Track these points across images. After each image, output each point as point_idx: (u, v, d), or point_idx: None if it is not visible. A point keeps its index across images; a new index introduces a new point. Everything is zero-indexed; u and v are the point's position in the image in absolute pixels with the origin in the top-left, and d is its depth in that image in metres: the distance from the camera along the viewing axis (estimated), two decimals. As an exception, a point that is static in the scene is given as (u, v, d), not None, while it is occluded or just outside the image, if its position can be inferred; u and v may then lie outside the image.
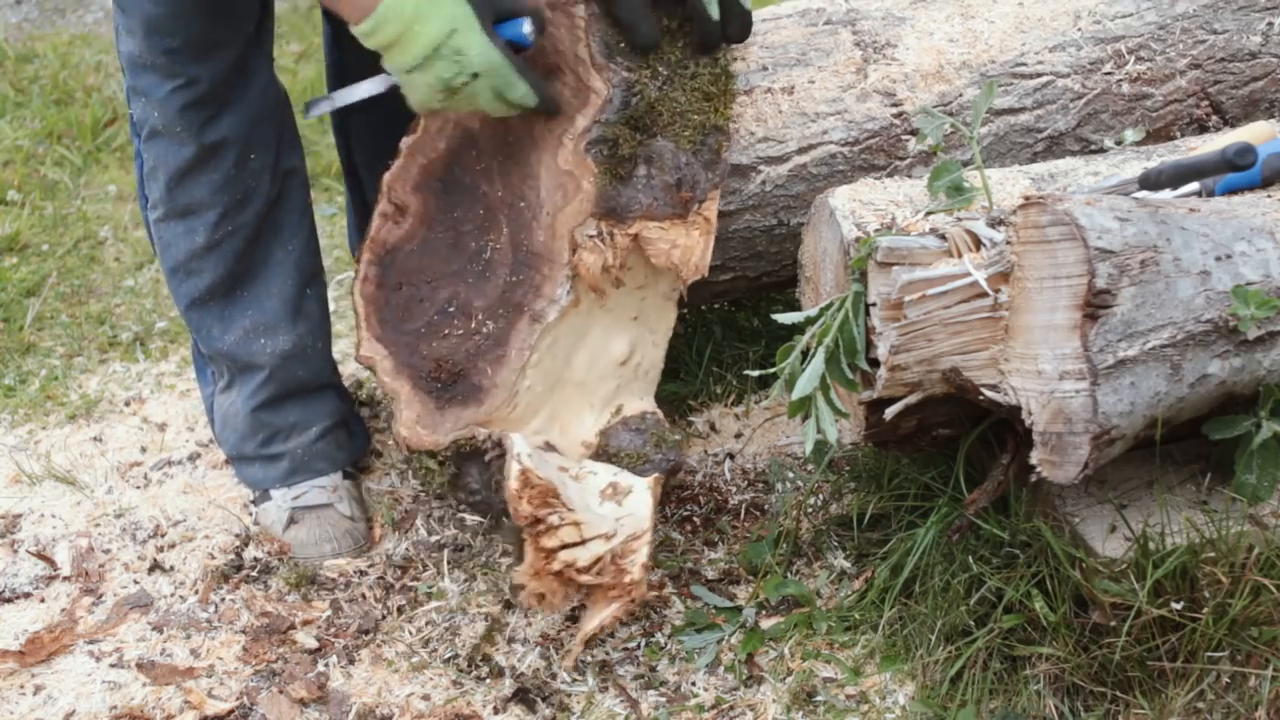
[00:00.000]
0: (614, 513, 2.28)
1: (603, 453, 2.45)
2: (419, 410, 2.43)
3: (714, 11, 2.32)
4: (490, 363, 2.41)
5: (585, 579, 2.24)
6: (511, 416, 2.41)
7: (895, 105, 2.53)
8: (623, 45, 2.31)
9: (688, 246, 2.36)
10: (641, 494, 2.30)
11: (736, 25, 2.36)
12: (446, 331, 2.44)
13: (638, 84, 2.31)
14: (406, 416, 2.43)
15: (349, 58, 2.77)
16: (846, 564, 2.46)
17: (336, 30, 2.74)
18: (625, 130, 2.31)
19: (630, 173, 2.33)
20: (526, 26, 2.22)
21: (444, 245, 2.48)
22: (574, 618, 2.40)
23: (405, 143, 2.47)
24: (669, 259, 2.36)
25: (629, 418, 2.48)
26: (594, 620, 2.27)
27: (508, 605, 2.44)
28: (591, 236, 2.33)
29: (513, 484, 2.20)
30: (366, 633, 2.42)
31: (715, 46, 2.36)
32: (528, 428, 2.42)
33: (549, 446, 2.43)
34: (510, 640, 2.38)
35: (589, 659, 2.33)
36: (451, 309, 2.45)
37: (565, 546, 2.22)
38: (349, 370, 3.07)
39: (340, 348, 3.16)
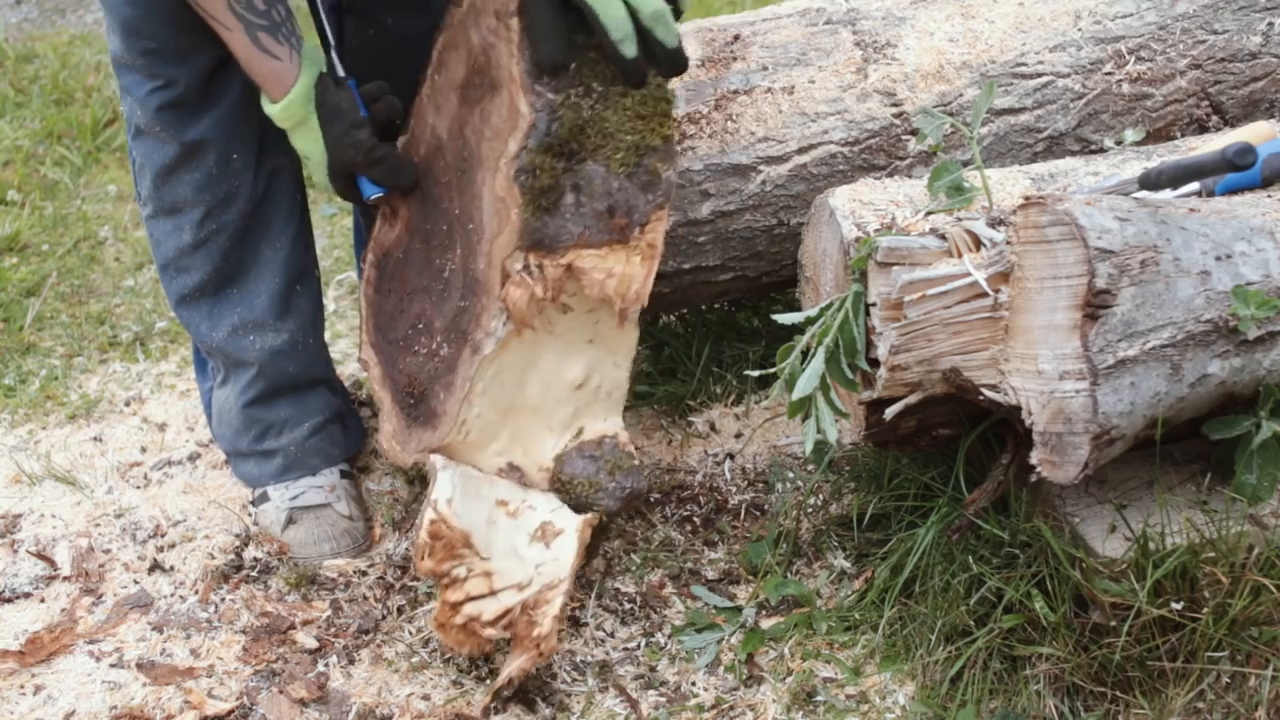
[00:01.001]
0: (536, 557, 2.23)
1: (557, 480, 2.36)
2: (395, 425, 2.40)
3: (628, 51, 2.15)
4: (443, 388, 2.34)
5: (490, 633, 2.20)
6: (466, 442, 2.33)
7: (895, 105, 2.53)
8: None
9: (626, 275, 2.22)
10: (569, 538, 2.24)
11: (664, 65, 2.19)
12: (416, 348, 2.39)
13: (560, 107, 2.17)
14: (386, 429, 2.41)
15: (346, 62, 2.77)
16: (846, 564, 2.46)
17: (340, 34, 2.74)
18: (545, 159, 2.17)
19: (556, 202, 2.19)
20: (369, 193, 2.40)
21: (419, 257, 2.41)
22: (575, 619, 2.40)
23: (400, 143, 2.42)
24: (604, 290, 2.22)
25: (585, 443, 2.38)
26: (504, 672, 2.23)
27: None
28: (519, 270, 2.21)
29: (422, 536, 2.16)
30: (366, 633, 2.42)
31: (640, 84, 2.20)
32: (488, 451, 2.35)
33: (513, 468, 2.37)
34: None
35: (589, 659, 2.33)
36: (420, 325, 2.39)
37: (471, 599, 2.19)
38: (349, 370, 3.07)
39: (341, 348, 3.16)
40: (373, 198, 2.41)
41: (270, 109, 2.33)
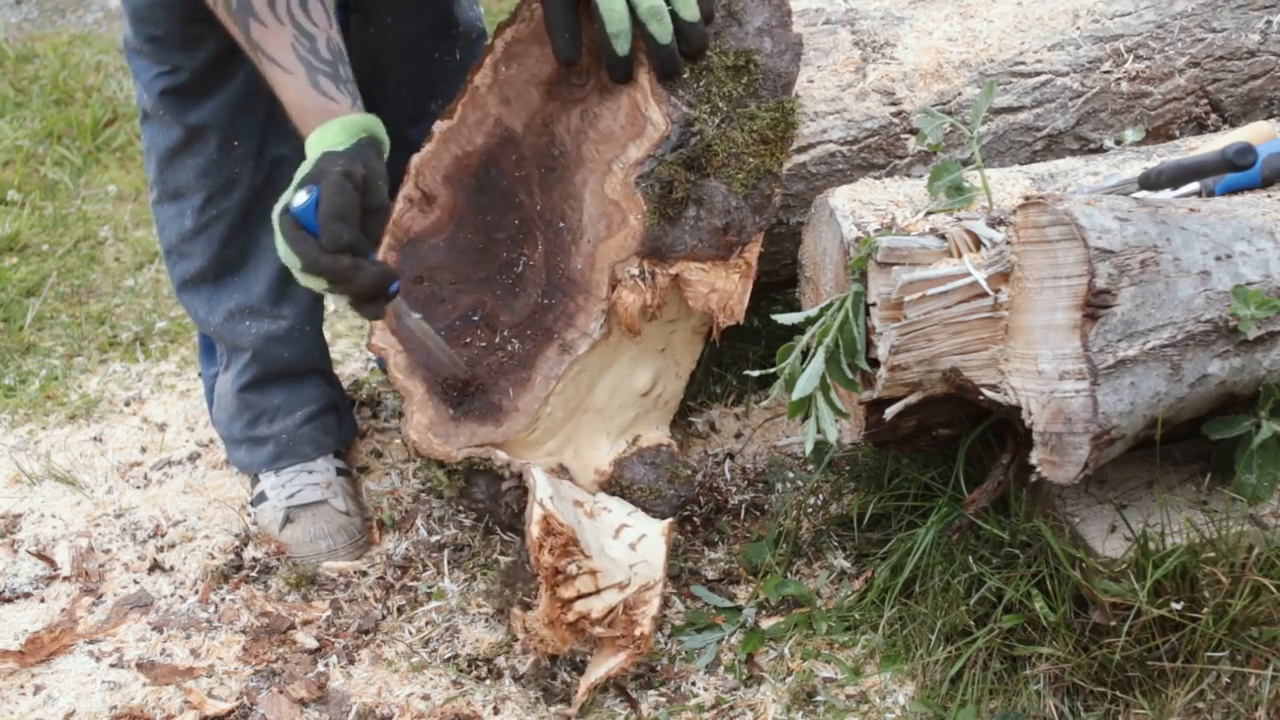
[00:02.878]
0: (627, 558, 2.25)
1: (615, 483, 2.41)
2: (432, 416, 2.38)
3: (620, 47, 2.18)
4: (513, 384, 2.35)
5: (598, 630, 2.23)
6: (528, 440, 2.36)
7: (894, 104, 2.53)
8: (685, 78, 2.22)
9: (726, 291, 2.28)
10: (655, 541, 2.28)
11: (656, 61, 2.20)
12: (468, 340, 2.38)
13: (697, 121, 2.22)
14: (419, 420, 2.38)
15: (357, 62, 2.77)
16: (846, 564, 2.46)
17: (344, 31, 2.74)
18: (681, 171, 2.22)
19: (680, 213, 2.24)
20: (301, 199, 1.93)
21: (473, 249, 2.40)
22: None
23: (439, 127, 2.39)
24: (706, 303, 2.29)
25: (644, 449, 2.44)
26: (600, 669, 2.25)
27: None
28: (634, 275, 2.26)
29: (535, 531, 2.18)
30: (366, 633, 2.42)
31: (624, 79, 2.22)
32: (542, 449, 2.38)
33: (562, 469, 2.40)
34: (512, 641, 2.38)
35: (589, 659, 2.33)
36: (475, 318, 2.38)
37: (581, 596, 2.21)
38: (349, 370, 3.06)
39: (341, 348, 3.16)
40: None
41: (314, 135, 1.99)
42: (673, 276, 2.27)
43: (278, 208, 1.96)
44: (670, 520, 2.35)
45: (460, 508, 2.60)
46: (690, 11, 2.19)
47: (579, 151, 2.30)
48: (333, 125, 1.98)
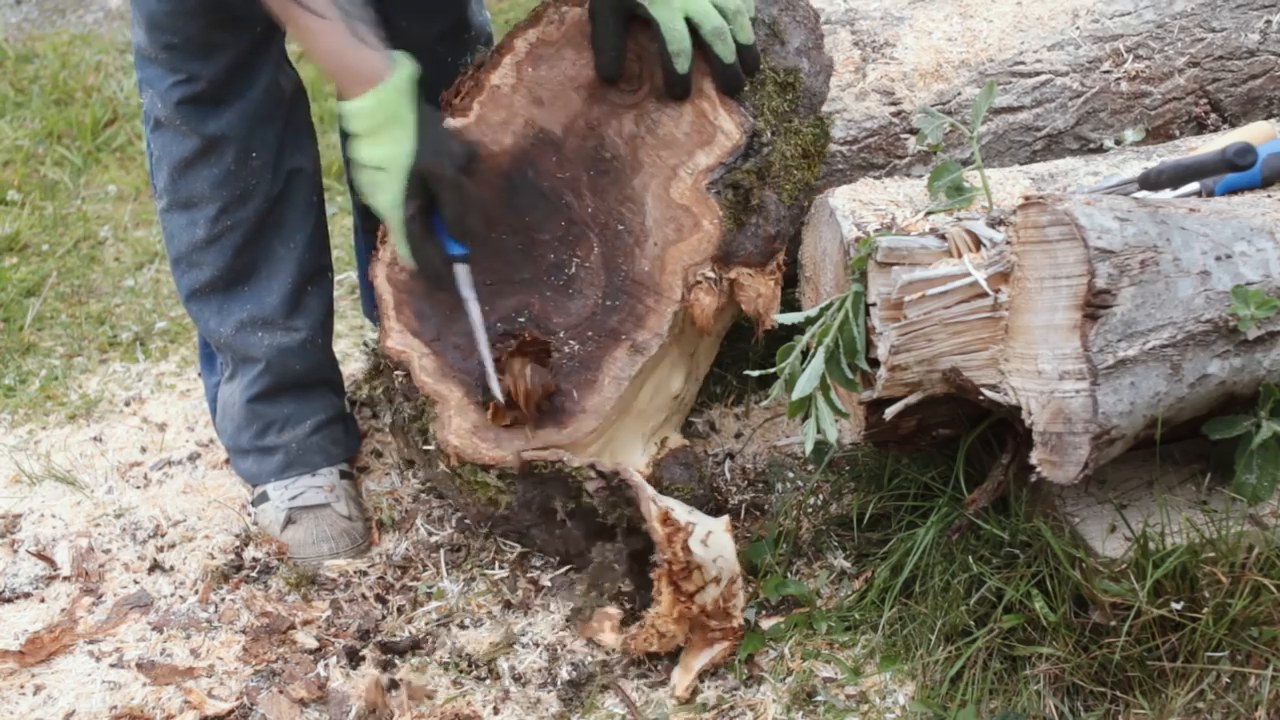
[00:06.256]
0: (706, 554, 2.26)
1: (655, 484, 2.39)
2: (475, 420, 2.33)
3: (680, 66, 2.26)
4: (577, 386, 2.32)
5: (713, 624, 2.26)
6: (579, 442, 2.33)
7: (894, 104, 2.53)
8: (746, 90, 2.30)
9: (766, 295, 2.34)
10: (722, 537, 2.29)
11: (722, 79, 2.29)
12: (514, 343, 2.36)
13: (762, 133, 2.30)
14: (459, 425, 2.32)
15: None
16: (846, 564, 2.46)
17: None
18: (756, 180, 2.29)
19: (748, 220, 2.31)
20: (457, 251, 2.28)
21: (511, 249, 2.38)
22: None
23: (449, 125, 2.37)
24: (755, 306, 2.34)
25: (676, 450, 2.45)
26: (703, 659, 2.27)
27: (508, 605, 2.45)
28: (708, 278, 2.30)
29: (660, 529, 2.20)
30: (366, 633, 2.42)
31: (682, 97, 2.30)
32: (587, 452, 2.35)
33: None
34: (510, 644, 2.38)
35: (589, 659, 2.33)
36: (521, 320, 2.36)
37: (699, 589, 2.23)
38: (349, 370, 3.06)
39: (341, 348, 3.15)
40: (455, 255, 2.28)
41: (355, 104, 2.15)
42: (731, 281, 2.33)
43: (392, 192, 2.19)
44: (727, 516, 2.34)
45: (459, 509, 2.60)
46: (746, 35, 2.27)
47: (636, 156, 2.33)
48: (390, 94, 2.14)
